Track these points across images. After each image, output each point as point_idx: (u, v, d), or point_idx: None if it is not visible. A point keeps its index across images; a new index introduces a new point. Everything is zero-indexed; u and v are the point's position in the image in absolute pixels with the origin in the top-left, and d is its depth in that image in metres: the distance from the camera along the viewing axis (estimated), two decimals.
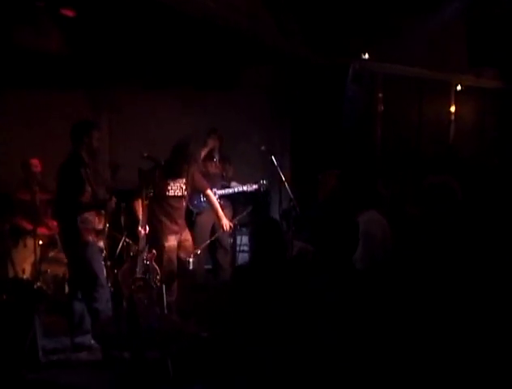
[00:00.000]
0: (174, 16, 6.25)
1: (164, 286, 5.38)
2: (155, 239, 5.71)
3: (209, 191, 6.22)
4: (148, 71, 7.56)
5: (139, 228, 5.48)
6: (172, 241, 5.79)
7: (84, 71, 7.49)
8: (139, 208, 5.58)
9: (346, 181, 5.08)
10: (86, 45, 7.04)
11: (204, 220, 6.78)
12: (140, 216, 5.53)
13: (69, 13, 6.42)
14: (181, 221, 5.96)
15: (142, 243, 5.47)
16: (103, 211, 5.67)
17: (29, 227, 6.32)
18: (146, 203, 5.46)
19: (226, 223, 6.05)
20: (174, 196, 5.85)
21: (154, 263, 5.70)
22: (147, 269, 5.58)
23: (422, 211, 3.55)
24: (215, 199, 6.24)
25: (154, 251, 5.67)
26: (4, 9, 6.19)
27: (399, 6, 7.40)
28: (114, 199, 5.25)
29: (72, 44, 6.86)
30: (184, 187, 5.89)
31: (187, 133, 6.21)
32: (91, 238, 5.18)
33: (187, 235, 6.01)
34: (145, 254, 5.58)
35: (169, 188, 5.81)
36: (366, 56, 7.77)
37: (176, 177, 5.85)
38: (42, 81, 7.23)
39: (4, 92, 7.12)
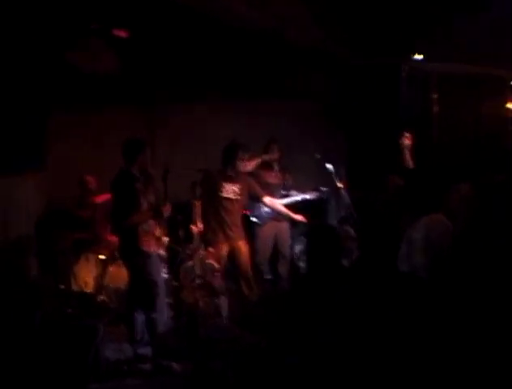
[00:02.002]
0: (224, 28, 6.32)
1: (222, 297, 5.40)
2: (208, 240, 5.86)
3: (267, 198, 6.24)
4: (199, 85, 7.65)
5: (191, 226, 5.55)
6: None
7: (137, 90, 7.64)
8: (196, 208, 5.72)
9: (412, 183, 4.98)
10: (137, 64, 7.18)
11: (265, 232, 6.76)
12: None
13: (122, 34, 6.55)
14: (235, 228, 5.99)
15: (196, 241, 5.54)
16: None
17: (90, 242, 6.47)
18: (199, 201, 5.53)
19: (298, 217, 6.23)
20: (227, 198, 5.92)
21: (212, 261, 5.78)
22: (205, 267, 5.71)
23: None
24: (276, 203, 6.28)
25: (211, 249, 5.73)
26: (58, 31, 6.37)
27: (450, 4, 7.25)
28: (169, 204, 5.28)
29: (124, 63, 7.01)
30: (238, 191, 5.96)
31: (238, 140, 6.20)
32: (151, 249, 5.25)
33: (242, 245, 6.04)
34: (201, 251, 5.63)
35: (223, 189, 5.91)
36: (419, 57, 7.63)
37: (228, 180, 5.93)
38: (96, 101, 7.39)
39: (60, 113, 7.32)
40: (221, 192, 5.94)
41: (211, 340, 3.86)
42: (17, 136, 3.51)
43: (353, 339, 3.42)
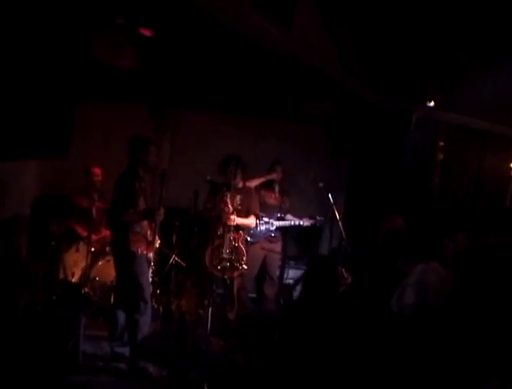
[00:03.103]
0: (244, 45, 6.38)
1: (210, 310, 5.42)
2: None
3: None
4: (213, 96, 7.72)
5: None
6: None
7: (152, 89, 7.71)
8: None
9: (411, 228, 5.05)
10: (156, 64, 7.23)
11: (257, 251, 6.78)
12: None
13: (147, 32, 6.60)
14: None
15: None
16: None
17: (84, 233, 6.48)
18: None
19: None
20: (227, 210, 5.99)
21: (241, 244, 5.92)
22: (234, 250, 5.85)
23: (483, 271, 3.51)
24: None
25: (241, 232, 5.88)
26: (85, 24, 6.41)
27: (469, 57, 7.38)
28: (163, 209, 5.28)
29: (144, 61, 7.06)
30: (238, 203, 6.09)
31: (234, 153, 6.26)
32: (140, 250, 5.23)
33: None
34: (232, 233, 5.74)
35: (225, 199, 6.00)
36: (431, 104, 7.75)
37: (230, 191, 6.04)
38: (111, 95, 7.46)
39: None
40: (223, 203, 6.00)
41: (197, 350, 3.88)
42: (46, 121, 3.55)
43: (335, 365, 3.48)
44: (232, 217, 5.95)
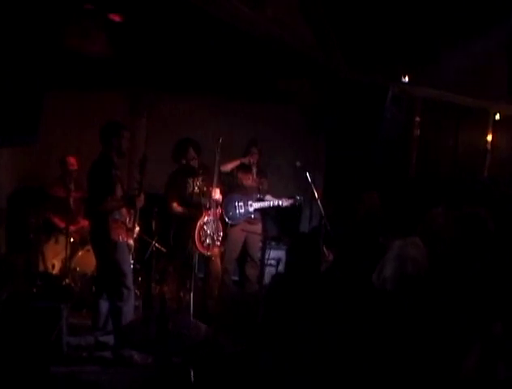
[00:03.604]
0: (215, 25, 6.31)
1: (191, 296, 5.41)
2: None
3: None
4: (187, 79, 7.64)
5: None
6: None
7: (125, 75, 7.61)
8: None
9: (389, 204, 5.07)
10: (128, 49, 7.13)
11: (236, 233, 6.79)
12: None
13: (116, 18, 6.49)
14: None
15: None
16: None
17: (61, 224, 6.43)
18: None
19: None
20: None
21: (219, 222, 6.06)
22: (215, 226, 5.99)
23: (454, 241, 3.53)
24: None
25: (220, 210, 6.04)
26: (52, 11, 6.31)
27: (441, 31, 7.37)
28: (143, 195, 5.25)
29: (115, 47, 6.96)
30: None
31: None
32: (120, 238, 5.19)
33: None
34: (217, 210, 6.02)
35: (187, 185, 6.14)
36: (406, 79, 7.75)
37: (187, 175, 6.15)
38: (83, 83, 7.35)
39: (47, 92, 7.25)
40: (185, 187, 6.10)
41: (179, 335, 3.87)
42: (15, 107, 3.50)
43: (318, 342, 3.49)
44: (217, 190, 6.06)
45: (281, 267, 6.61)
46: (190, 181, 6.17)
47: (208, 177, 6.21)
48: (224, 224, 6.41)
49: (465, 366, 2.96)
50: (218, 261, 6.32)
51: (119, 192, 5.22)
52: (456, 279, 3.36)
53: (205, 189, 6.13)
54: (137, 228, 5.80)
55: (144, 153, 5.66)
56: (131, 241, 5.40)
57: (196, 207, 6.06)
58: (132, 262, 5.55)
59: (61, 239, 6.33)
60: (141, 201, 5.25)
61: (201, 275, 6.26)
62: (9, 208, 6.91)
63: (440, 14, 7.09)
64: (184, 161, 6.15)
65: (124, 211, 5.29)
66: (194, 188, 6.17)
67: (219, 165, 6.12)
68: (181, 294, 6.08)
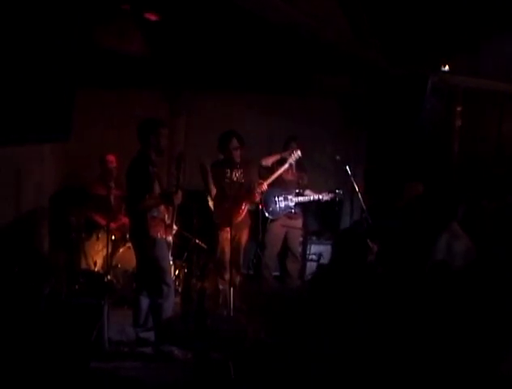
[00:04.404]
0: (253, 21, 6.28)
1: (231, 289, 5.41)
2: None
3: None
4: (224, 75, 7.64)
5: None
6: (226, 233, 6.07)
7: (164, 74, 7.66)
8: None
9: (434, 194, 4.97)
10: (166, 48, 7.17)
11: (277, 228, 6.77)
12: None
13: (152, 17, 6.53)
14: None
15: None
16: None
17: (103, 222, 6.48)
18: None
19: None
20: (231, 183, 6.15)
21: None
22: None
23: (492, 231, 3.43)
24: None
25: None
26: (89, 10, 6.39)
27: (482, 19, 7.18)
28: (180, 192, 5.22)
29: (153, 46, 7.00)
30: (241, 177, 6.18)
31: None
32: (159, 235, 5.19)
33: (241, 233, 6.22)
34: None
35: (226, 175, 6.15)
36: (446, 68, 7.58)
37: (227, 167, 6.15)
38: (123, 82, 7.43)
39: (86, 92, 7.32)
40: (226, 178, 6.12)
41: (218, 331, 3.85)
42: (45, 102, 3.53)
43: (364, 336, 3.44)
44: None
45: (323, 262, 6.56)
46: (230, 172, 6.16)
47: (248, 170, 6.20)
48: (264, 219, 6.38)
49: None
50: (240, 248, 6.30)
51: (157, 189, 5.22)
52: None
53: (243, 181, 6.16)
54: (175, 226, 5.83)
55: (181, 150, 5.66)
56: (170, 238, 5.41)
57: (233, 199, 6.07)
58: (171, 258, 5.56)
59: (103, 237, 6.37)
60: (178, 198, 5.22)
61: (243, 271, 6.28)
62: (51, 208, 7.01)
63: (478, 0, 6.91)
64: (227, 154, 6.14)
65: (162, 208, 5.29)
66: (232, 179, 6.16)
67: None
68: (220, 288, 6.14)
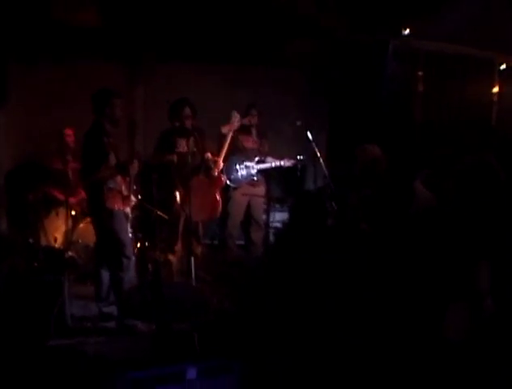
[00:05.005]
0: None
1: (192, 258, 5.35)
2: None
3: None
4: (186, 44, 7.49)
5: None
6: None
7: (120, 44, 7.47)
8: None
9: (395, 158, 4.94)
10: (122, 18, 7.00)
11: (239, 196, 6.73)
12: None
13: None
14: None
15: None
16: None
17: (61, 197, 6.36)
18: None
19: None
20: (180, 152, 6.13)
21: None
22: None
23: (460, 190, 3.37)
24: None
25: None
26: None
27: None
28: (136, 162, 5.14)
29: (108, 16, 6.84)
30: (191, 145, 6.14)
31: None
32: (116, 206, 5.11)
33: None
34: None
35: (177, 145, 6.17)
36: (407, 32, 7.52)
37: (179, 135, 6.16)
38: (78, 54, 7.23)
39: (40, 65, 7.14)
40: (176, 147, 6.10)
41: (177, 300, 3.79)
42: None
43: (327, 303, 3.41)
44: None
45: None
46: (182, 141, 6.13)
47: (200, 139, 6.15)
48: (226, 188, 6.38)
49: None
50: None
51: (112, 160, 5.11)
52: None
53: (195, 149, 6.12)
54: (133, 197, 5.72)
55: (132, 119, 5.56)
56: (128, 210, 5.31)
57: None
58: (131, 230, 5.46)
59: (62, 212, 6.26)
60: (134, 168, 5.13)
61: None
62: (7, 185, 6.84)
63: None
64: (178, 123, 6.08)
65: (119, 179, 5.19)
66: (184, 148, 6.12)
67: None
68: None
